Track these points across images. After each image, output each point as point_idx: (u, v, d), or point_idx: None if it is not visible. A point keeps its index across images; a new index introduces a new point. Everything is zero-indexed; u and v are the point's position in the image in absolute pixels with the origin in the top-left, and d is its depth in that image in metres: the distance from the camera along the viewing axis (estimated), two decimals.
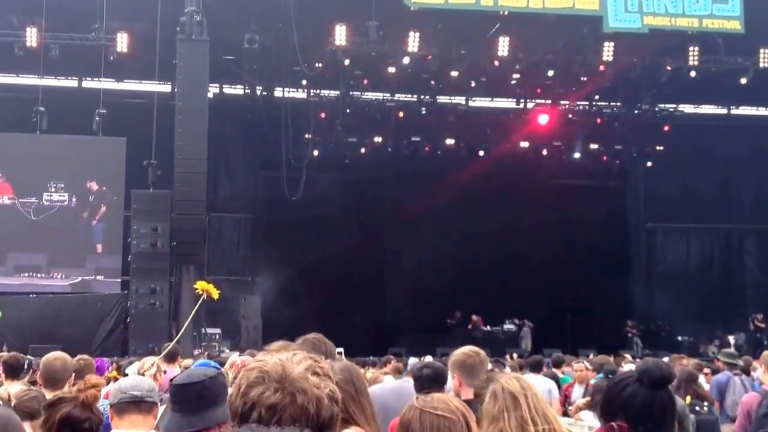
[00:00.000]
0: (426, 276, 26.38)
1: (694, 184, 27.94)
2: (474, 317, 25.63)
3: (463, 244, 26.77)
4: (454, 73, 24.63)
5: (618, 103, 27.76)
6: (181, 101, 21.17)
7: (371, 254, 27.06)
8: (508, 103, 28.57)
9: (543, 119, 27.06)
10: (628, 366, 11.98)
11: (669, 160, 28.17)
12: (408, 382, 5.51)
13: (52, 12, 21.61)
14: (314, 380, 1.86)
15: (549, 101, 27.33)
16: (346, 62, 23.43)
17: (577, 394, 10.63)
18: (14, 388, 5.45)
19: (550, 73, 24.57)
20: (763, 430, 7.63)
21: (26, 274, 22.75)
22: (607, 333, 24.58)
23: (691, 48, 23.68)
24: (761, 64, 23.84)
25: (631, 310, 27.92)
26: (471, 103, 27.75)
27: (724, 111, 29.43)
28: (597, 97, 27.40)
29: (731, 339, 24.42)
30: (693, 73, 24.00)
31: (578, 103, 27.69)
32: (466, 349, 5.09)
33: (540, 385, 8.19)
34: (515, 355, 19.76)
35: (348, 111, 26.01)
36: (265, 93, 25.82)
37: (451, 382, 5.10)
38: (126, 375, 5.98)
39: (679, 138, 27.55)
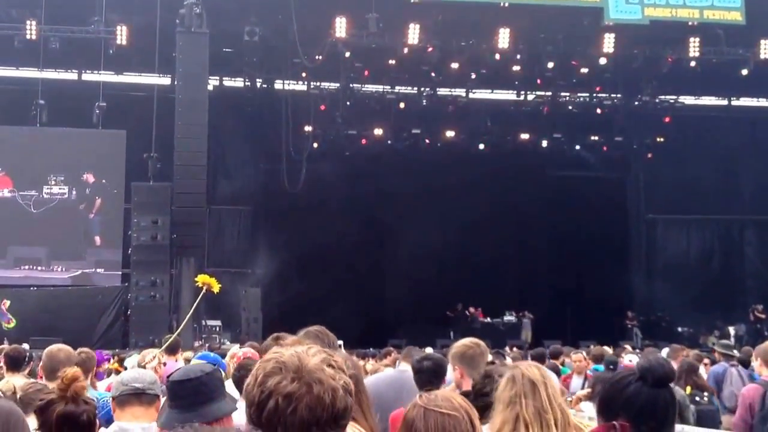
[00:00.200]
0: (426, 268, 26.39)
1: (694, 175, 27.91)
2: (471, 309, 25.67)
3: (463, 236, 26.77)
4: (455, 65, 24.59)
5: (618, 95, 27.71)
6: (181, 94, 21.16)
7: (371, 246, 27.07)
8: (509, 95, 28.53)
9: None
10: (629, 357, 12.00)
11: (669, 152, 28.14)
12: (404, 373, 5.48)
13: (52, 4, 21.58)
14: (330, 372, 1.90)
15: (549, 93, 27.29)
16: (347, 54, 23.39)
17: (576, 385, 10.66)
18: (18, 380, 5.47)
19: (551, 64, 24.53)
20: None
21: (26, 267, 22.77)
22: (608, 324, 24.59)
23: (691, 39, 23.65)
24: (762, 56, 23.81)
25: (631, 301, 27.94)
26: (471, 95, 27.71)
27: (725, 102, 29.39)
28: (598, 88, 27.34)
29: (731, 330, 24.44)
30: (693, 64, 23.97)
31: (579, 94, 27.65)
32: (467, 340, 5.09)
33: None
34: (515, 347, 19.78)
35: (348, 103, 25.98)
36: (265, 85, 25.80)
37: (451, 374, 5.11)
38: (126, 368, 6.00)
39: (680, 129, 27.52)
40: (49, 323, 19.45)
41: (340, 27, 22.13)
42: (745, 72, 24.28)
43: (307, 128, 25.86)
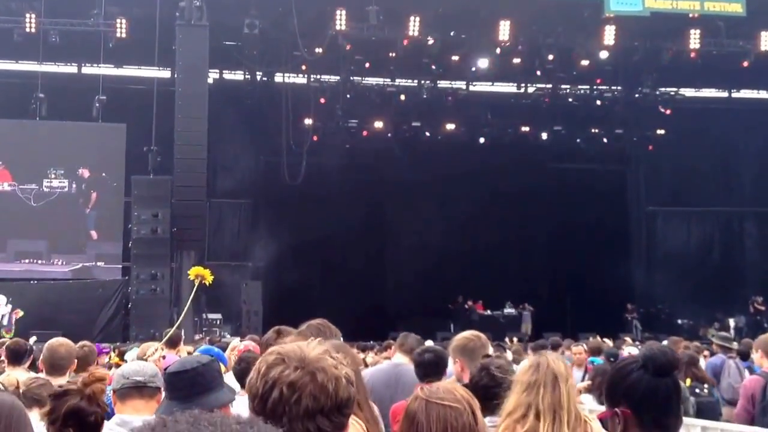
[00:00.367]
0: (426, 261, 26.41)
1: (694, 167, 27.91)
2: (470, 302, 25.72)
3: (464, 229, 26.78)
4: (455, 58, 24.56)
5: (619, 87, 27.68)
6: (181, 87, 21.14)
7: (372, 239, 27.08)
8: (509, 88, 28.49)
9: None
10: (628, 349, 12.03)
11: (670, 144, 28.12)
12: (399, 366, 5.45)
13: None
14: (332, 361, 1.92)
15: (550, 85, 27.25)
16: (347, 47, 23.35)
17: (576, 378, 10.70)
18: (21, 375, 5.48)
19: (551, 57, 24.49)
20: None
21: (27, 261, 22.78)
22: (607, 316, 24.60)
23: (692, 31, 23.61)
24: (762, 47, 23.77)
25: (631, 293, 27.95)
26: (471, 88, 27.68)
27: (725, 94, 29.36)
28: (598, 80, 27.32)
29: (731, 322, 24.49)
30: (693, 54, 23.94)
31: (579, 87, 27.62)
32: (468, 333, 5.10)
33: None
34: (515, 339, 19.80)
35: (348, 96, 25.95)
36: (265, 78, 25.76)
37: (452, 366, 5.11)
38: (127, 361, 6.00)
39: (680, 122, 27.49)
40: (50, 317, 19.44)
41: (340, 19, 22.10)
42: (745, 64, 24.24)
43: (308, 121, 25.84)
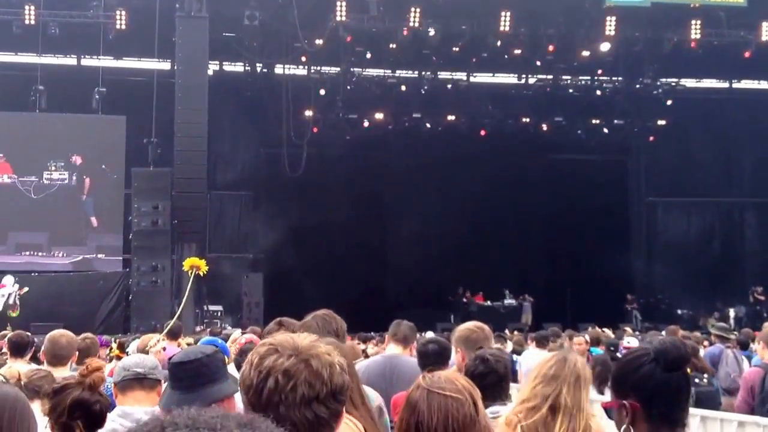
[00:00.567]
0: (427, 252, 26.41)
1: (695, 158, 27.89)
2: (467, 294, 25.75)
3: (464, 220, 26.79)
4: (456, 49, 24.51)
5: (620, 78, 27.64)
6: (181, 79, 21.12)
7: (372, 231, 27.08)
8: (510, 79, 28.45)
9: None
10: (627, 339, 12.07)
11: (670, 135, 28.09)
12: (392, 359, 5.43)
13: None
14: (324, 348, 1.93)
15: (550, 76, 27.21)
16: (347, 38, 23.31)
17: None
18: (22, 367, 5.49)
19: (551, 47, 24.45)
20: None
21: (27, 253, 22.79)
22: (607, 307, 24.62)
23: (693, 22, 23.55)
24: (763, 38, 23.72)
25: (631, 284, 27.98)
26: (472, 79, 27.64)
27: (726, 85, 29.31)
28: (599, 71, 27.27)
29: (731, 312, 24.52)
30: (694, 45, 23.89)
31: (580, 77, 27.58)
32: (471, 324, 5.10)
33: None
34: (516, 330, 19.82)
35: (348, 87, 25.91)
36: (265, 70, 25.72)
37: (454, 356, 5.12)
38: (128, 353, 6.02)
39: (681, 112, 27.45)
40: (51, 309, 19.49)
41: (341, 10, 22.05)
42: (746, 54, 24.19)
43: (308, 112, 25.81)
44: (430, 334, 12.15)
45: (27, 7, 21.62)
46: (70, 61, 25.59)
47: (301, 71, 26.06)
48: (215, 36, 22.02)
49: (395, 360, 5.34)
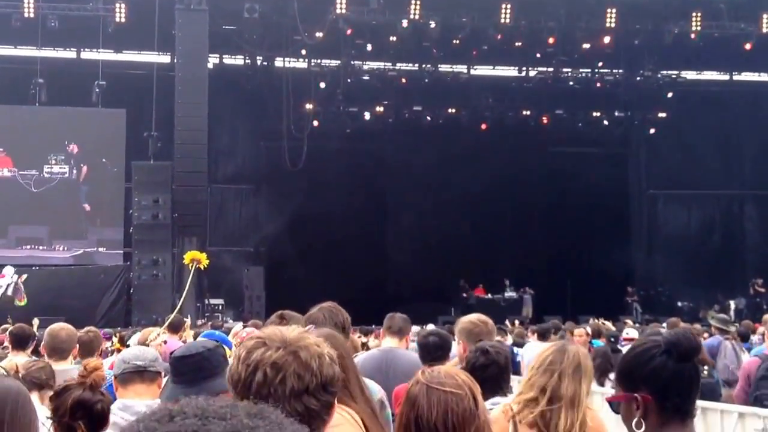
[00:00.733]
0: (428, 245, 26.43)
1: (695, 150, 27.85)
2: (466, 292, 25.77)
3: (465, 213, 26.79)
4: (456, 41, 24.47)
5: (620, 70, 27.60)
6: (181, 72, 21.09)
7: (373, 224, 27.09)
8: (510, 71, 28.41)
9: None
10: (626, 330, 12.10)
11: (671, 127, 28.07)
12: (388, 352, 5.43)
13: None
14: (313, 340, 1.91)
15: (551, 69, 27.17)
16: (347, 31, 23.27)
17: None
18: (20, 359, 5.50)
19: (552, 40, 24.40)
20: (759, 392, 7.73)
21: (28, 247, 22.81)
22: (608, 299, 24.64)
23: (693, 13, 23.50)
24: (764, 30, 23.67)
25: (631, 276, 28.00)
26: (473, 72, 27.60)
27: (727, 77, 29.26)
28: (600, 63, 27.23)
29: (732, 304, 24.54)
30: (695, 38, 23.85)
31: (580, 70, 27.54)
32: (474, 317, 5.11)
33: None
34: (516, 323, 19.84)
35: (349, 80, 25.88)
36: (265, 63, 25.68)
37: (455, 348, 5.13)
38: (129, 346, 6.03)
39: (682, 105, 27.42)
40: (52, 302, 19.51)
41: (341, 3, 22.01)
42: (747, 46, 24.14)
43: (308, 106, 25.79)
44: (430, 327, 12.16)
45: (26, 0, 21.56)
46: (70, 54, 25.55)
47: (302, 64, 26.03)
48: (215, 29, 21.99)
49: (391, 353, 5.32)
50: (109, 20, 22.09)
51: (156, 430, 0.96)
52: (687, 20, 23.67)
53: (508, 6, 22.86)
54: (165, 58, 24.01)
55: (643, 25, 24.14)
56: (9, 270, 20.61)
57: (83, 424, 3.17)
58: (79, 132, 23.11)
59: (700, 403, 7.86)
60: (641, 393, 2.30)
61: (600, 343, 10.93)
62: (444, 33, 23.79)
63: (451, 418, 2.56)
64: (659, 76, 27.57)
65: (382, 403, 3.80)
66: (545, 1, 23.40)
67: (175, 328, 8.73)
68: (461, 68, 27.39)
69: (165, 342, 6.49)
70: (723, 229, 29.78)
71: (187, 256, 5.68)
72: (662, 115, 28.21)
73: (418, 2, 22.46)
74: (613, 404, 2.41)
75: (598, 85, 27.76)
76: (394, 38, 23.89)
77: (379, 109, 26.95)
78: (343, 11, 22.13)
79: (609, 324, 14.61)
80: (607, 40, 24.45)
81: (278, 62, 25.47)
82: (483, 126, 27.50)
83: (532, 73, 27.97)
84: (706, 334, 11.36)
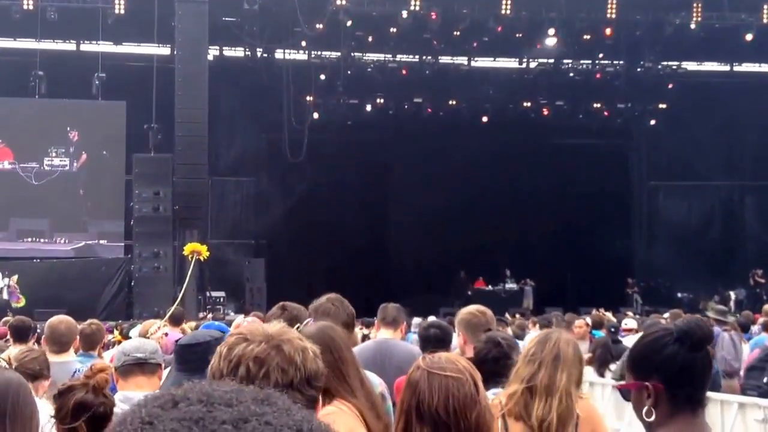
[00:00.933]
0: (428, 237, 26.44)
1: (696, 141, 27.82)
2: (465, 277, 25.80)
3: (466, 204, 26.78)
4: (456, 33, 24.42)
5: (621, 61, 27.54)
6: (181, 64, 21.04)
7: (374, 215, 27.10)
8: (511, 63, 28.35)
9: None
10: (625, 321, 12.11)
11: (672, 118, 28.03)
12: (383, 343, 5.44)
13: None
14: (296, 334, 1.90)
15: (551, 60, 27.12)
16: (347, 23, 23.22)
17: (583, 350, 10.83)
18: (13, 350, 5.49)
19: (552, 31, 24.35)
20: (745, 382, 7.75)
21: (29, 240, 22.82)
22: (608, 291, 24.69)
23: (694, 4, 23.45)
24: (765, 20, 23.61)
25: (632, 267, 28.02)
26: (473, 63, 27.54)
27: (727, 68, 29.19)
28: (600, 55, 27.17)
29: (732, 295, 24.55)
30: (695, 29, 23.79)
31: (581, 61, 27.48)
32: (473, 308, 5.12)
33: None
34: (517, 315, 19.86)
35: (349, 72, 25.84)
36: (265, 55, 25.63)
37: (456, 339, 5.14)
38: (130, 338, 6.03)
39: (682, 96, 27.38)
40: (53, 295, 19.51)
41: None
42: (748, 37, 24.09)
43: (309, 98, 25.76)
44: (431, 318, 12.17)
45: None
46: (69, 46, 25.49)
47: (302, 56, 25.97)
48: (215, 21, 21.93)
49: (386, 344, 5.31)
50: (109, 12, 22.04)
51: (160, 417, 0.92)
52: (688, 11, 23.62)
53: None
54: (165, 50, 23.96)
55: (644, 16, 24.09)
56: None
57: (84, 426, 3.18)
58: (79, 125, 23.09)
59: None
60: (652, 381, 2.29)
61: (601, 333, 10.95)
62: (444, 24, 23.74)
63: (452, 402, 2.56)
64: (660, 67, 27.52)
65: (382, 395, 3.80)
66: None
67: (176, 320, 8.74)
68: (462, 60, 27.34)
69: (166, 334, 6.50)
70: (723, 220, 29.79)
71: (187, 248, 5.69)
72: (663, 106, 28.17)
73: None
74: (624, 392, 2.40)
75: (599, 76, 27.71)
76: (395, 30, 23.84)
77: (380, 101, 26.91)
78: (344, 3, 22.09)
79: (610, 315, 14.64)
80: (608, 31, 24.40)
81: (278, 54, 25.43)
82: (484, 118, 27.47)
83: (532, 65, 27.92)
84: None
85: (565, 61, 27.22)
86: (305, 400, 1.80)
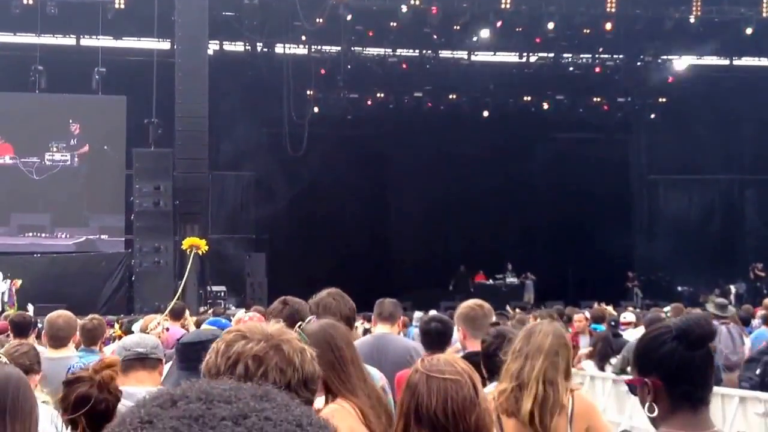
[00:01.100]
0: (429, 231, 26.45)
1: (696, 135, 27.80)
2: (465, 270, 25.82)
3: (466, 198, 26.79)
4: (456, 27, 24.38)
5: (620, 55, 27.51)
6: (181, 58, 21.01)
7: (374, 210, 27.09)
8: (511, 57, 28.31)
9: None
10: (624, 314, 12.13)
11: (671, 112, 28.01)
12: (381, 338, 5.45)
13: None
14: (294, 335, 1.90)
15: (551, 54, 27.09)
16: (347, 17, 23.18)
17: (584, 344, 10.90)
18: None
19: (552, 25, 24.32)
20: (743, 373, 7.77)
21: (30, 234, 22.83)
22: (609, 285, 24.70)
23: None
24: (764, 14, 23.57)
25: (632, 261, 28.03)
26: (473, 58, 27.51)
27: (727, 62, 29.16)
28: (600, 49, 27.14)
29: (732, 288, 24.56)
30: (695, 23, 23.75)
31: (581, 55, 27.45)
32: (471, 302, 5.13)
33: None
34: (518, 308, 19.86)
35: (349, 67, 25.81)
36: (265, 49, 25.60)
37: (457, 334, 5.15)
38: (132, 333, 6.04)
39: (682, 90, 27.35)
40: (54, 290, 19.51)
41: None
42: (748, 31, 24.06)
43: (309, 92, 25.74)
44: (432, 312, 12.18)
45: None
46: (70, 41, 25.46)
47: (302, 50, 25.94)
48: (215, 15, 21.90)
49: (383, 339, 5.32)
50: (109, 6, 22.03)
51: (159, 416, 0.92)
52: (687, 5, 23.58)
53: None
54: (165, 45, 23.92)
55: (644, 10, 24.05)
56: None
57: (84, 420, 3.18)
58: (80, 120, 23.09)
59: None
60: (652, 378, 2.30)
61: (602, 327, 10.97)
62: (444, 18, 23.70)
63: (450, 405, 2.56)
64: (660, 61, 27.48)
65: (383, 390, 3.81)
66: None
67: (177, 315, 8.74)
68: (462, 54, 27.30)
69: (167, 329, 6.50)
70: (723, 213, 29.79)
71: (186, 242, 5.69)
72: (663, 100, 28.14)
73: None
74: (631, 387, 2.40)
75: (599, 70, 27.68)
76: (395, 24, 23.81)
77: (380, 95, 26.90)
78: None
79: (610, 309, 14.65)
80: (608, 25, 24.36)
81: (278, 48, 25.40)
82: (484, 112, 27.45)
83: (532, 59, 27.89)
84: None
85: (565, 55, 27.19)
86: (302, 402, 1.79)
